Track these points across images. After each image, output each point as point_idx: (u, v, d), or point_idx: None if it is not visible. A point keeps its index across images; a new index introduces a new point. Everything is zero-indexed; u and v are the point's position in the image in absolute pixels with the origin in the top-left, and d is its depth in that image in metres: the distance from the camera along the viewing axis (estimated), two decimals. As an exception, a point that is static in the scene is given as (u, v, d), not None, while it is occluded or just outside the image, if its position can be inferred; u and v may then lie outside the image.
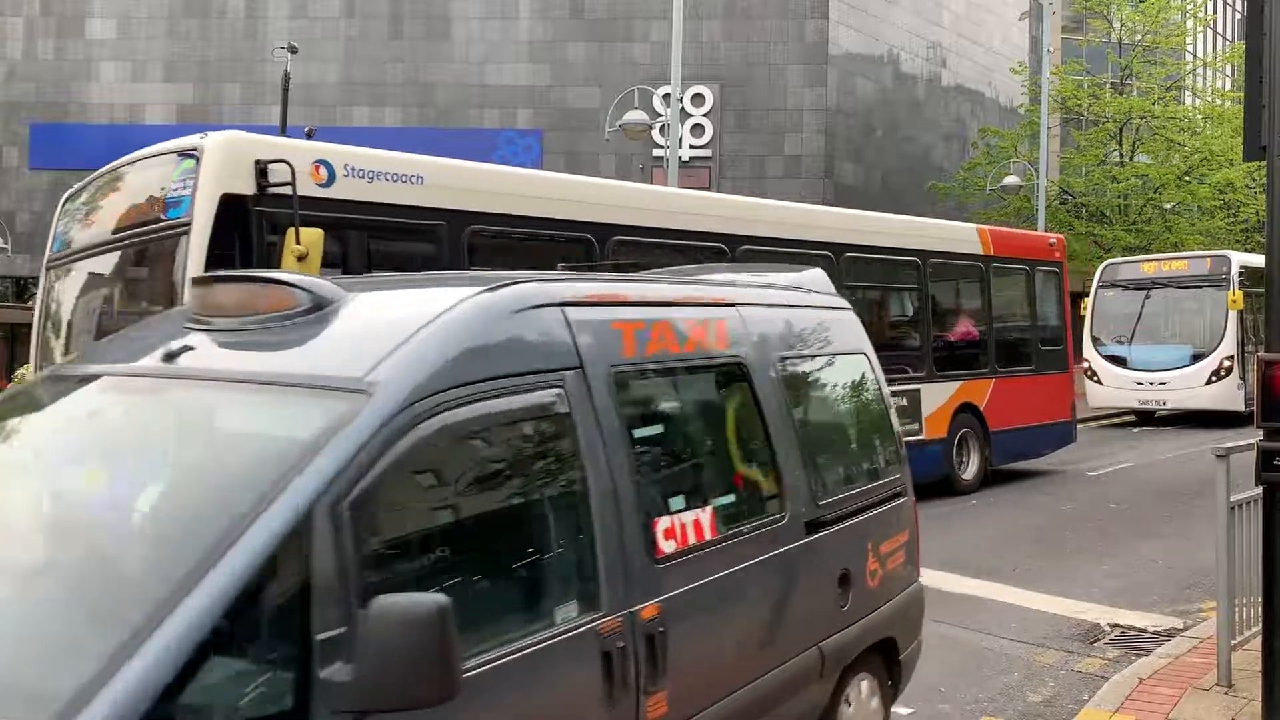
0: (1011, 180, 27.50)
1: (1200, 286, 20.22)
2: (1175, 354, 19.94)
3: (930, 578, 8.21)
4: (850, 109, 34.16)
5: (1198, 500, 11.46)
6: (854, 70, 34.14)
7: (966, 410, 12.40)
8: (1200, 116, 33.27)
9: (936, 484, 11.75)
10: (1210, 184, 29.37)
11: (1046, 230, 27.85)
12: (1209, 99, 36.34)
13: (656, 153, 30.83)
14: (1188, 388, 19.58)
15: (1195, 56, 38.73)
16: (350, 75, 35.89)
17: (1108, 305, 21.14)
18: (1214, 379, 19.40)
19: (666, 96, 21.24)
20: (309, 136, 11.31)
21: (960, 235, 13.27)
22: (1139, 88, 32.65)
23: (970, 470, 12.55)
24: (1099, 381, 20.72)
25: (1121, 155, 31.25)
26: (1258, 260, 22.74)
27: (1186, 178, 29.71)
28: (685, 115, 32.02)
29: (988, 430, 12.61)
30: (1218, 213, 31.66)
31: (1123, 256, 30.06)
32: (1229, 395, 19.47)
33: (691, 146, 32.79)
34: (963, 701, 5.56)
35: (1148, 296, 20.80)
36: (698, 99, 33.12)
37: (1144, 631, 6.81)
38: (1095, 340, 20.96)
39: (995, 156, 30.82)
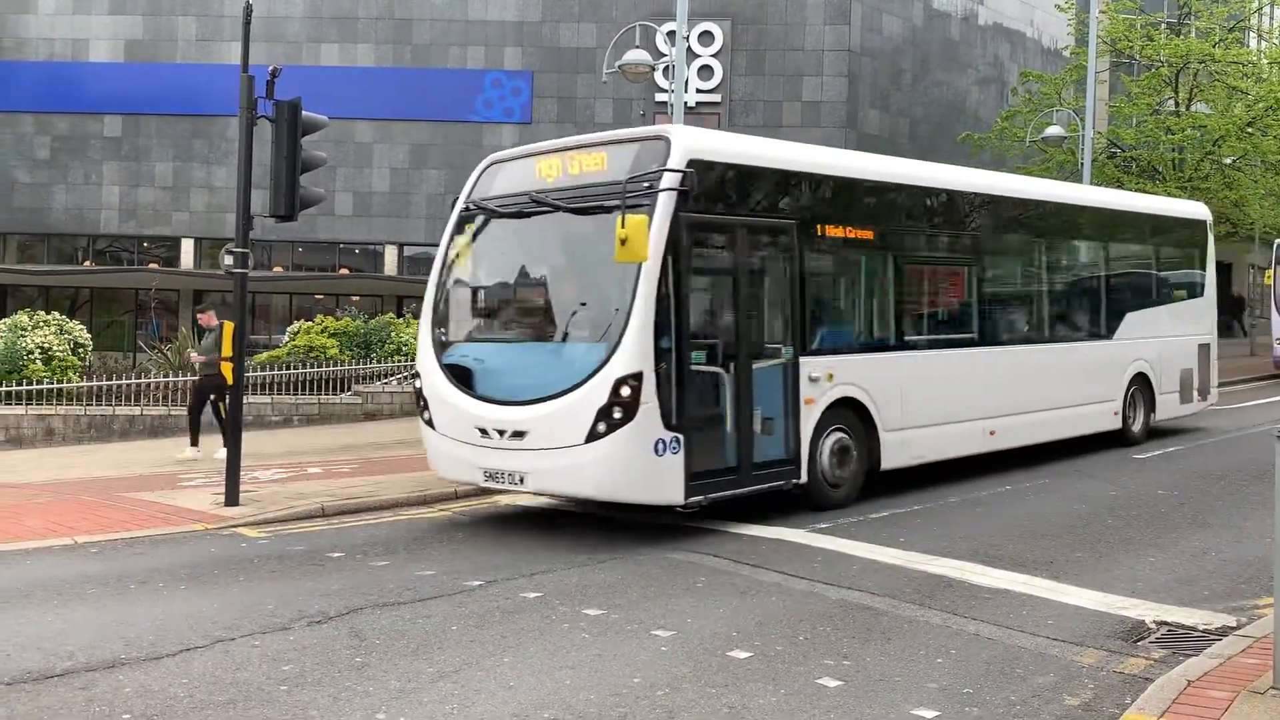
0: (1054, 130, 27.35)
1: (609, 210, 9.26)
2: (539, 370, 9.97)
3: (958, 569, 8.30)
4: (876, 50, 33.97)
5: (1256, 486, 11.51)
6: (880, 6, 33.92)
7: None
8: (1266, 61, 33.07)
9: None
10: (1276, 136, 29.25)
11: (1093, 185, 27.81)
12: (1276, 41, 36.13)
13: (660, 97, 30.70)
14: (553, 448, 9.45)
15: (1262, -7, 38.46)
16: (319, 8, 35.64)
17: (469, 255, 11.10)
18: (602, 430, 9.10)
19: (671, 34, 21.11)
20: (274, 77, 11.25)
21: None
22: (1198, 28, 32.45)
23: None
24: (431, 425, 10.52)
25: (1177, 104, 31.10)
26: (733, 148, 10.53)
27: (1250, 129, 29.58)
28: (692, 55, 31.83)
29: None
30: (1284, 168, 31.59)
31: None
32: (637, 466, 9.17)
33: (699, 90, 32.63)
34: (993, 705, 5.60)
35: (529, 234, 10.57)
36: (706, 37, 32.91)
37: (1193, 630, 6.85)
38: (436, 334, 10.75)
39: (1037, 104, 30.68)
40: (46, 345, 23.17)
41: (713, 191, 9.91)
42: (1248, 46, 34.61)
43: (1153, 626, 6.93)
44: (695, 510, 9.62)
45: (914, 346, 12.00)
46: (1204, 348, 16.60)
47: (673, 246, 9.31)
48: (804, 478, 10.38)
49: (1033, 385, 13.26)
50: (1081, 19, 31.64)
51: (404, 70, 35.17)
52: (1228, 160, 30.54)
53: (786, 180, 10.86)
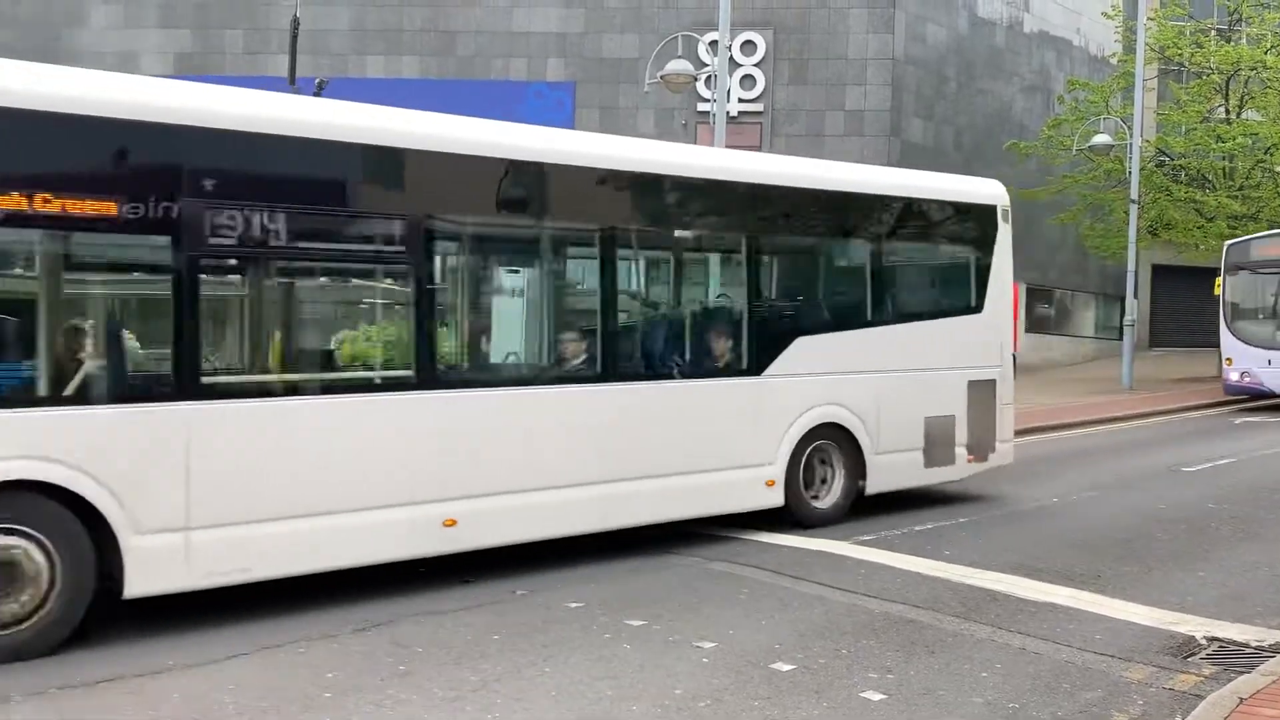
0: (1102, 139, 27.05)
1: None
2: None
3: (1003, 582, 8.22)
4: (920, 58, 33.78)
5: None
6: (924, 15, 33.76)
7: None
8: (1320, 68, 32.57)
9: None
10: (1329, 144, 28.78)
11: (1141, 196, 27.43)
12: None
13: (702, 107, 30.73)
14: None
15: (1315, -1, 37.90)
16: (364, 21, 36.06)
17: None
18: None
19: (713, 44, 21.15)
20: (320, 89, 11.42)
21: None
22: (1249, 35, 31.99)
23: None
24: None
25: (1228, 111, 30.67)
26: None
27: (1302, 136, 29.12)
28: (734, 65, 31.83)
29: None
30: (1337, 178, 31.05)
31: (1228, 227, 29.47)
32: None
33: (741, 100, 32.62)
34: (1039, 720, 5.55)
35: None
36: (748, 47, 32.92)
37: (1245, 646, 6.76)
38: None
39: (1084, 112, 30.36)
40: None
41: None
42: (1300, 53, 34.06)
43: (1203, 642, 6.83)
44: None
45: (233, 392, 7.30)
46: (981, 386, 11.51)
47: None
48: None
49: (557, 447, 8.64)
50: (1129, 26, 31.30)
51: (447, 82, 35.44)
52: (1279, 169, 30.10)
53: None
